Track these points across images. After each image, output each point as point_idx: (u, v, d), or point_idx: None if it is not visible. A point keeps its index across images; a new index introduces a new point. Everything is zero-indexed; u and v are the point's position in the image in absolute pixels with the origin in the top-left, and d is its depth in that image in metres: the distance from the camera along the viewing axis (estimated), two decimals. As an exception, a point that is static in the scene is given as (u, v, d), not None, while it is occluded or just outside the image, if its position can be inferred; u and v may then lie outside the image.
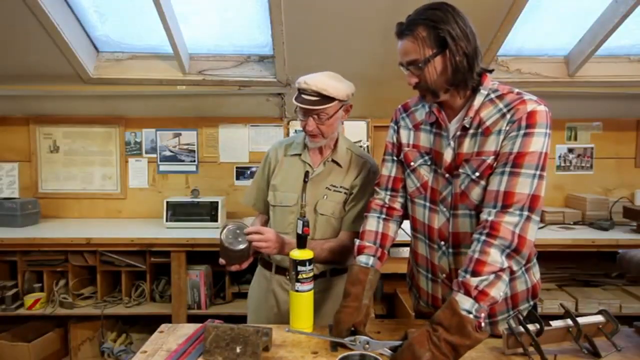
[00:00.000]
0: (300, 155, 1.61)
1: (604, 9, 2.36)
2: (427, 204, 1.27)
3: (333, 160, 1.58)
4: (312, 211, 1.54)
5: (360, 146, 3.03)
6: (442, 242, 1.25)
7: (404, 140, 1.32)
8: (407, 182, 1.33)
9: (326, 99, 1.44)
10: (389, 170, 1.36)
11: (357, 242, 1.32)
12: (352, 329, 1.17)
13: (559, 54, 2.72)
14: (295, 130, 3.01)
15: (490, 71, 1.18)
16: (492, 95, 1.16)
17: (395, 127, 1.36)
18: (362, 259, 1.27)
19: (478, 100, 1.15)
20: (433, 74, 1.12)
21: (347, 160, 1.60)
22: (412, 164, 1.29)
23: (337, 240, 1.56)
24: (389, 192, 1.36)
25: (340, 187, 1.57)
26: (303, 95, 1.46)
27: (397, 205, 1.35)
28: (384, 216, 1.34)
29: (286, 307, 1.47)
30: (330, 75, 1.50)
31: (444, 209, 1.23)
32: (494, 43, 2.40)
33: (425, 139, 1.27)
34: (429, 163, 1.25)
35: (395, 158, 1.35)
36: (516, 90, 1.16)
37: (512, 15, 2.22)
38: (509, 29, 2.32)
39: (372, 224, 1.33)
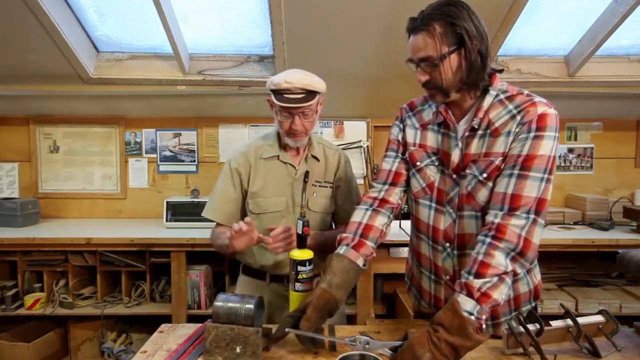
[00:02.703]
0: (278, 156, 1.57)
1: (603, 9, 2.35)
2: (433, 204, 1.25)
3: (312, 156, 1.59)
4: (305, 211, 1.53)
5: (360, 146, 3.04)
6: (447, 244, 1.23)
7: (409, 140, 1.29)
8: (411, 182, 1.30)
9: (311, 94, 1.44)
10: (390, 164, 1.32)
11: (339, 235, 1.28)
12: (302, 310, 1.11)
13: (559, 54, 2.72)
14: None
15: (500, 71, 1.17)
16: (502, 96, 1.15)
17: (401, 126, 1.33)
18: (338, 250, 1.23)
19: (487, 100, 1.14)
20: (448, 71, 1.10)
21: (322, 153, 1.61)
22: (418, 163, 1.27)
23: (334, 231, 1.59)
24: (387, 185, 1.31)
25: (325, 181, 1.58)
26: (287, 95, 1.43)
27: (393, 198, 1.30)
28: (373, 207, 1.29)
29: (283, 313, 1.46)
30: (301, 71, 1.49)
31: (451, 210, 1.21)
32: (494, 43, 2.40)
33: (432, 139, 1.25)
34: (436, 163, 1.24)
35: (399, 155, 1.32)
36: (526, 91, 1.15)
37: (512, 15, 2.22)
38: (509, 29, 2.32)
39: (358, 215, 1.29)
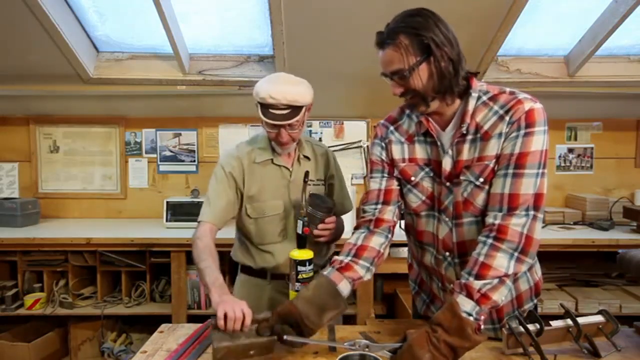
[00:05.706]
0: (272, 160, 1.56)
1: (603, 9, 2.35)
2: (435, 214, 1.23)
3: (304, 156, 1.60)
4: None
5: (360, 146, 3.04)
6: (447, 253, 1.23)
7: (397, 156, 1.26)
8: (408, 198, 1.27)
9: (297, 108, 1.42)
10: (378, 184, 1.28)
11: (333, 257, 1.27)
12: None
13: (559, 54, 2.72)
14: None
15: (476, 74, 1.17)
16: (484, 98, 1.14)
17: (383, 144, 1.29)
18: (325, 271, 1.21)
19: (471, 104, 1.13)
20: (419, 82, 1.09)
21: (311, 151, 1.63)
22: (412, 178, 1.24)
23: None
24: (379, 205, 1.27)
25: (317, 179, 1.60)
26: (272, 110, 1.41)
27: (387, 216, 1.26)
28: (370, 229, 1.26)
29: None
30: (288, 80, 1.45)
31: (447, 219, 1.20)
32: (494, 43, 2.40)
33: (421, 151, 1.23)
34: (430, 174, 1.22)
35: (386, 175, 1.28)
36: (508, 89, 1.14)
37: (512, 15, 2.22)
38: (509, 29, 2.32)
39: (353, 237, 1.26)
